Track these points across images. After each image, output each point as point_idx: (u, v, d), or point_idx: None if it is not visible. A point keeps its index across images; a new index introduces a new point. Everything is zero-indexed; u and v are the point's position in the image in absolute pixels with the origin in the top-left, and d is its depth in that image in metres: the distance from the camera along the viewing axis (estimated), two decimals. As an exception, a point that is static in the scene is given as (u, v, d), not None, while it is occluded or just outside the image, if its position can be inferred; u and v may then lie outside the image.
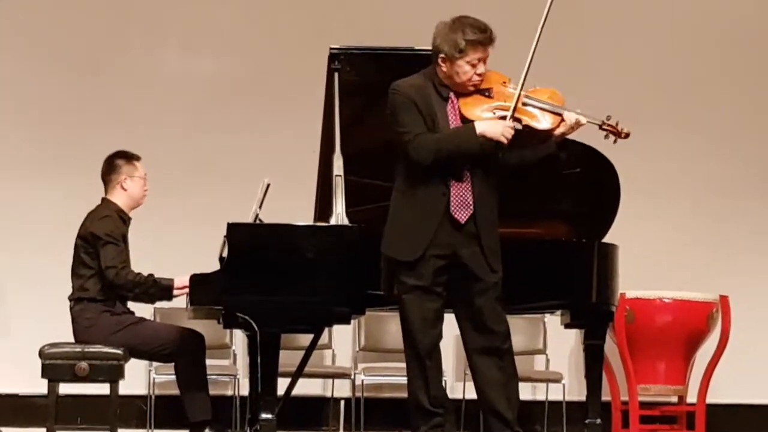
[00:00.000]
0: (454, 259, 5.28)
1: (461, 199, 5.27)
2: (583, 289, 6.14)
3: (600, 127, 5.42)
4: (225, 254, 5.91)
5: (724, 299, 8.04)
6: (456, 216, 5.26)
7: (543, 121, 5.33)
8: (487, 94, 5.31)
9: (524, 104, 5.31)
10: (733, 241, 8.81)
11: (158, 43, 8.67)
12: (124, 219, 6.51)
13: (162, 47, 8.68)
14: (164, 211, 8.24)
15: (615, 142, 5.50)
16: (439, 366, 5.39)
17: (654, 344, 7.90)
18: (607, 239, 6.34)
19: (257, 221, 6.16)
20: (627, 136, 5.44)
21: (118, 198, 6.54)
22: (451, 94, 5.33)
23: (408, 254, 5.27)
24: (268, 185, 6.26)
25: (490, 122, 5.24)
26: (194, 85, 8.64)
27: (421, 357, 5.32)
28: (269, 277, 5.70)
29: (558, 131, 5.34)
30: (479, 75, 5.28)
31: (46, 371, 6.34)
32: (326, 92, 6.07)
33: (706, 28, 8.89)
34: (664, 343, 7.92)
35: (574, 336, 7.98)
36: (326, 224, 5.92)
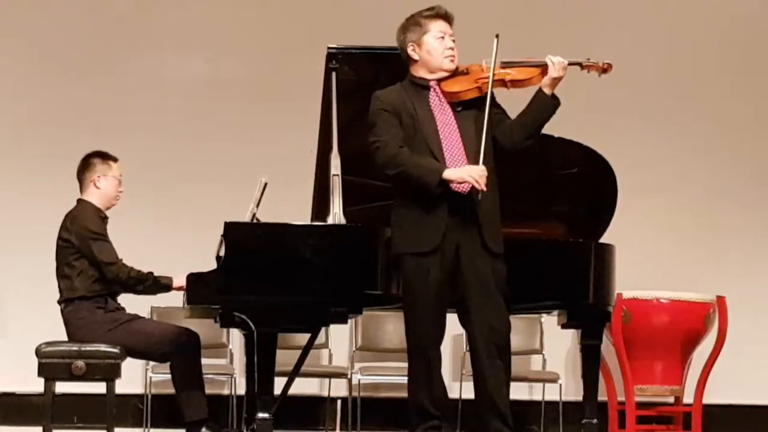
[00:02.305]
0: (455, 249, 5.29)
1: None
2: (580, 290, 6.15)
3: (581, 65, 5.49)
4: (222, 253, 5.91)
5: (720, 300, 8.04)
6: (458, 189, 5.28)
7: (526, 73, 5.43)
8: (465, 72, 5.45)
9: (504, 67, 5.42)
10: (730, 241, 8.81)
11: (154, 44, 8.66)
12: (102, 217, 6.52)
13: (158, 48, 8.67)
14: (161, 211, 8.25)
15: (600, 75, 5.54)
16: (440, 366, 5.40)
17: (651, 345, 7.89)
18: (604, 239, 6.35)
19: (254, 220, 6.16)
20: (609, 66, 5.51)
21: (93, 197, 6.54)
22: (432, 83, 5.42)
23: (425, 245, 5.28)
24: (266, 184, 6.26)
25: (459, 168, 5.27)
26: (191, 85, 8.64)
27: (426, 355, 5.33)
28: (266, 277, 5.69)
29: (545, 79, 5.38)
30: (450, 48, 5.41)
31: (42, 370, 6.32)
32: (324, 92, 6.07)
33: (705, 29, 8.89)
34: (661, 344, 7.91)
35: (571, 336, 7.98)
36: (323, 223, 5.92)
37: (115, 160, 6.61)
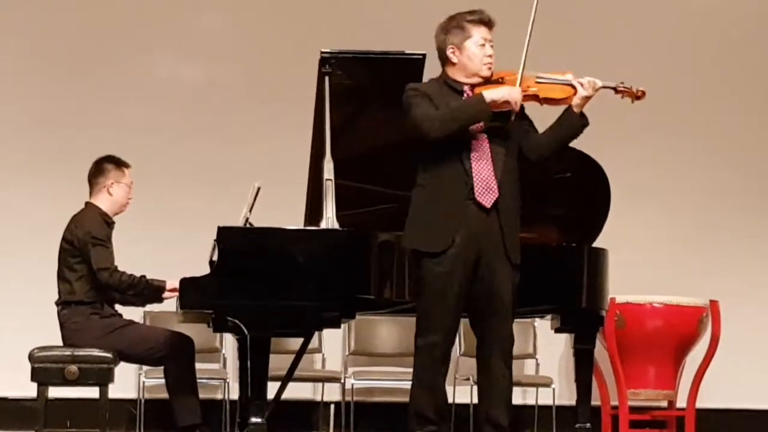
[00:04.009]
0: (475, 257, 5.25)
1: (485, 184, 5.26)
2: (574, 294, 6.15)
3: (615, 90, 5.50)
4: (215, 258, 5.91)
5: (714, 304, 8.05)
6: (481, 200, 5.24)
7: (560, 92, 5.42)
8: (500, 80, 5.42)
9: (538, 82, 5.40)
10: (724, 245, 8.82)
11: (151, 47, 8.66)
12: (108, 222, 6.51)
13: (154, 52, 8.68)
14: (155, 215, 8.24)
15: (633, 102, 5.55)
16: (446, 371, 5.36)
17: (644, 349, 7.91)
18: (597, 244, 6.35)
19: (247, 225, 6.16)
20: (643, 94, 5.51)
21: (103, 202, 6.54)
22: (466, 87, 5.39)
23: (436, 245, 5.24)
24: (259, 189, 6.25)
25: (497, 88, 5.27)
26: (185, 89, 8.64)
27: (436, 359, 5.27)
28: (259, 281, 5.69)
29: (576, 99, 5.39)
30: (489, 56, 5.38)
31: (35, 375, 6.32)
32: (317, 96, 6.07)
33: (701, 33, 8.90)
34: (654, 348, 7.93)
35: (564, 340, 7.98)
36: (316, 228, 5.91)
37: (128, 166, 6.61)
